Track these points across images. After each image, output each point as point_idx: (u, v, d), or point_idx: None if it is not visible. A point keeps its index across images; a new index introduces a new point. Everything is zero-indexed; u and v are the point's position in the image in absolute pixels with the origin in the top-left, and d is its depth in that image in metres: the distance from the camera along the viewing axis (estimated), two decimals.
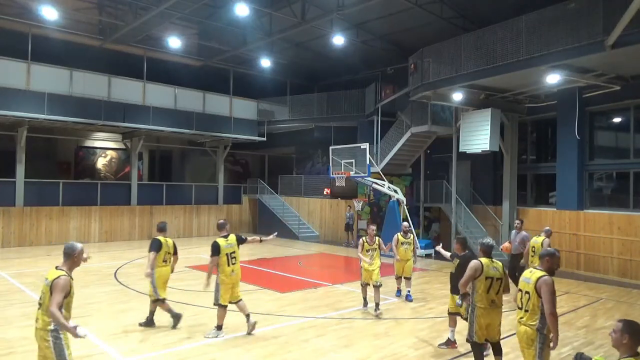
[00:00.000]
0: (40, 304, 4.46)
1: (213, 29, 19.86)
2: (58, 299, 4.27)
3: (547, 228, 10.14)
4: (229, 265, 7.47)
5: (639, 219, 13.33)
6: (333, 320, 8.56)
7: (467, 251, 7.10)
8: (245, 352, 6.77)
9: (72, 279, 4.51)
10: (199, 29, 20.59)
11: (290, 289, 11.13)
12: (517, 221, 11.29)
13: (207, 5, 16.77)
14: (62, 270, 4.49)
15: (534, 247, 9.67)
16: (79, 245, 4.68)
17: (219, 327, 7.43)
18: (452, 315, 7.21)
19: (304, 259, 16.43)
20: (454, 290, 7.09)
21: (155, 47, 20.23)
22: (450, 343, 7.12)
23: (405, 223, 11.05)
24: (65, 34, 18.53)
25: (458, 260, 6.90)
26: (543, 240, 9.66)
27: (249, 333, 7.50)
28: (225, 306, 7.42)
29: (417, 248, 11.16)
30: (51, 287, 4.34)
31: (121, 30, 17.75)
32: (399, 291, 10.59)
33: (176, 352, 6.70)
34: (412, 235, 10.69)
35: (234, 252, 7.64)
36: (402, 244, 10.20)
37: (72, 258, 4.60)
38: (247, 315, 7.57)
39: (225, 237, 7.64)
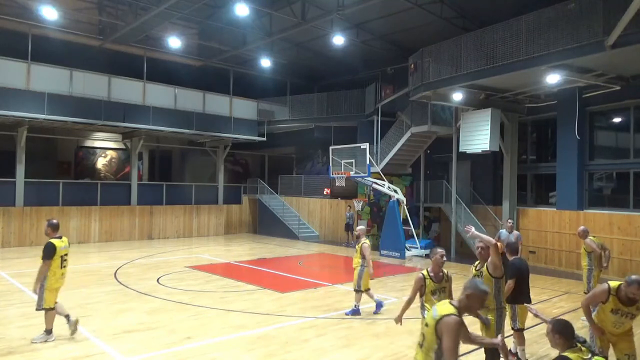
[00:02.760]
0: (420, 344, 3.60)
1: (213, 29, 19.85)
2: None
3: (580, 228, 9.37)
4: (61, 268, 6.95)
5: (639, 219, 13.34)
6: (333, 320, 8.56)
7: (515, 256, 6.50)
8: (245, 352, 6.77)
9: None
10: (199, 29, 20.58)
11: (290, 289, 11.13)
12: (510, 221, 11.16)
13: (207, 5, 16.75)
14: (454, 306, 3.52)
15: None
16: (479, 286, 3.61)
17: (49, 332, 6.99)
18: (518, 331, 6.53)
19: (304, 259, 16.43)
20: (511, 300, 6.35)
21: (155, 47, 20.22)
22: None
23: (362, 227, 9.52)
24: (65, 34, 18.52)
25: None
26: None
27: (72, 334, 7.09)
28: (54, 308, 6.96)
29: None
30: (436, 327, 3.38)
31: (121, 30, 17.74)
32: (379, 302, 9.10)
33: (176, 352, 6.69)
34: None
35: (67, 254, 7.08)
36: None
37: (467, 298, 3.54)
38: (67, 316, 7.10)
39: (60, 238, 7.01)
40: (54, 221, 7.13)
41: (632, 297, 5.00)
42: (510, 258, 6.44)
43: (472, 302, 3.59)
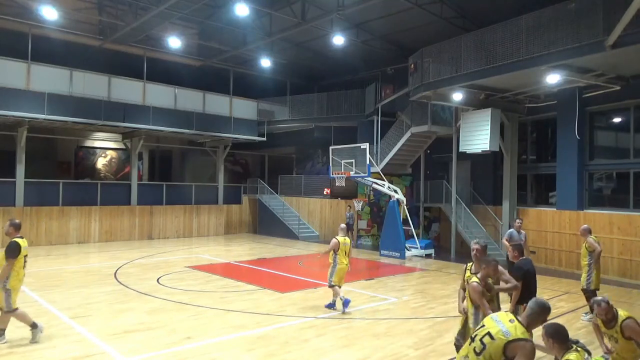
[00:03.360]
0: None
1: (213, 29, 19.85)
2: None
3: (584, 226, 9.35)
4: (23, 268, 6.85)
5: (639, 219, 13.33)
6: (333, 320, 8.56)
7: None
8: (245, 352, 6.77)
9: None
10: (199, 29, 20.58)
11: (290, 289, 11.13)
12: (518, 220, 11.05)
13: (207, 5, 16.76)
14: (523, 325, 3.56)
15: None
16: (545, 305, 3.71)
17: (2, 331, 6.88)
18: None
19: (304, 259, 16.42)
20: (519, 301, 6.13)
21: (155, 47, 20.22)
22: None
23: (342, 225, 9.90)
24: (65, 34, 18.50)
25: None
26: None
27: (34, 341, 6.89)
28: (17, 308, 6.84)
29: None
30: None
31: (121, 30, 17.74)
32: (334, 303, 9.26)
33: (176, 352, 6.69)
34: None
35: (27, 255, 6.95)
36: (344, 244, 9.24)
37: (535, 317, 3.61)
38: (33, 324, 6.94)
39: (21, 238, 6.88)
40: (17, 221, 7.08)
41: (602, 318, 4.95)
42: (517, 259, 6.43)
43: (537, 321, 3.66)
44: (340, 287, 9.23)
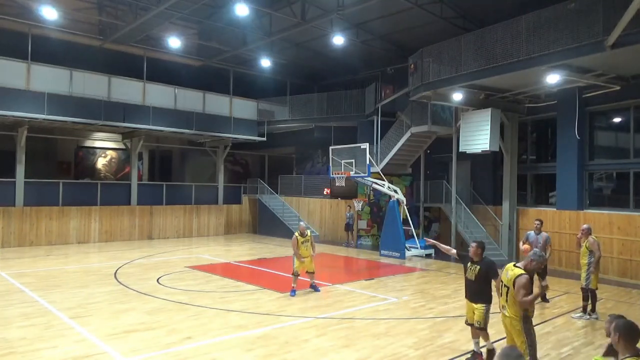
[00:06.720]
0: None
1: (213, 29, 19.85)
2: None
3: (586, 226, 9.58)
4: None
5: (639, 219, 13.33)
6: (333, 320, 8.56)
7: (485, 257, 6.58)
8: (245, 352, 6.77)
9: None
10: (199, 29, 20.57)
11: (290, 289, 11.12)
12: (536, 222, 10.90)
13: (207, 5, 16.75)
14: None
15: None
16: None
17: None
18: (471, 325, 6.60)
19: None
20: (474, 298, 6.51)
21: (155, 47, 20.22)
22: (477, 356, 6.60)
23: (302, 223, 11.57)
24: (65, 34, 18.52)
25: (478, 267, 6.41)
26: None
27: None
28: None
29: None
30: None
31: (121, 30, 17.74)
32: (293, 291, 10.61)
33: (176, 352, 6.70)
34: (309, 233, 11.01)
35: None
36: (302, 242, 10.71)
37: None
38: None
39: None
40: None
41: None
42: (478, 257, 6.56)
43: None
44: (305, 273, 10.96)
